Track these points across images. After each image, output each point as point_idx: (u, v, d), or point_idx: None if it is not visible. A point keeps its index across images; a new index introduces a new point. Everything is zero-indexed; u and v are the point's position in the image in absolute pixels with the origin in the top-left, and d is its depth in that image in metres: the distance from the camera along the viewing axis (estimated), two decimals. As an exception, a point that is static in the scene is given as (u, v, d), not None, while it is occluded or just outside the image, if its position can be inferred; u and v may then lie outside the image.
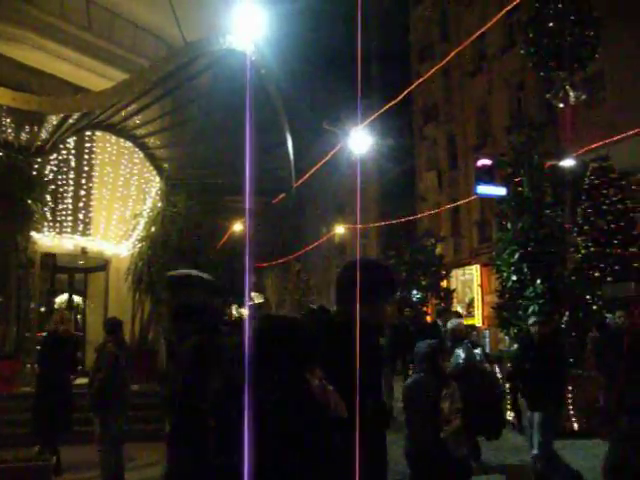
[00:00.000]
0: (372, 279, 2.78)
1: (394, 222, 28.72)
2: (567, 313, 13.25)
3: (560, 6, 14.55)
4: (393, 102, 12.08)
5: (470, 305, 29.65)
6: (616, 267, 13.29)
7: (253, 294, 20.52)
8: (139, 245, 14.89)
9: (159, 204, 15.12)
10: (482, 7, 28.74)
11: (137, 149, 14.99)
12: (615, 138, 14.89)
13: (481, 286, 30.00)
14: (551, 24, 14.58)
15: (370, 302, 2.71)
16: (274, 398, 2.12)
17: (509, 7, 11.21)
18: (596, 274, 13.36)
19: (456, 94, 33.71)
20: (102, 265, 15.82)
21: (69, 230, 14.14)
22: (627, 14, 18.88)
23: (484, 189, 20.31)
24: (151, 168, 15.42)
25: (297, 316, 2.46)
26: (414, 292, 26.44)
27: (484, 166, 20.65)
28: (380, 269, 2.98)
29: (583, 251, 13.78)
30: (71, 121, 12.21)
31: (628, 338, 2.02)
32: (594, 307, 13.04)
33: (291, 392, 2.16)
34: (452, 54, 13.06)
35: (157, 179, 15.52)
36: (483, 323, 26.56)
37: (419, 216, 30.79)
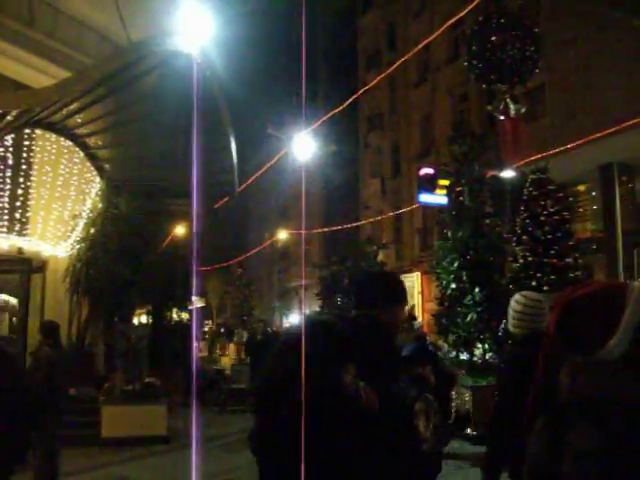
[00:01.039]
0: (388, 285, 3.24)
1: (337, 228, 28.85)
2: (504, 321, 13.52)
3: (503, 21, 14.88)
4: (338, 109, 12.13)
5: (410, 312, 29.98)
6: (552, 277, 13.59)
7: (193, 298, 20.35)
8: (78, 246, 14.60)
9: (99, 205, 14.86)
10: (429, 19, 29.21)
11: (78, 149, 14.66)
12: (553, 151, 15.26)
13: (422, 293, 30.37)
14: (494, 38, 14.89)
15: (388, 306, 3.12)
16: (308, 392, 2.27)
17: (453, 19, 11.42)
18: (533, 283, 13.64)
19: (401, 103, 34.09)
20: (39, 266, 15.45)
21: (5, 230, 13.75)
22: (567, 31, 19.44)
23: (426, 198, 20.63)
24: (92, 168, 15.10)
25: (334, 319, 2.76)
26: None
27: (426, 175, 20.97)
28: (393, 276, 3.52)
29: (521, 260, 14.06)
30: (9, 118, 11.87)
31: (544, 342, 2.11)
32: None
33: (324, 386, 2.35)
34: (397, 64, 13.20)
35: (98, 180, 15.23)
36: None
37: (362, 223, 30.96)
